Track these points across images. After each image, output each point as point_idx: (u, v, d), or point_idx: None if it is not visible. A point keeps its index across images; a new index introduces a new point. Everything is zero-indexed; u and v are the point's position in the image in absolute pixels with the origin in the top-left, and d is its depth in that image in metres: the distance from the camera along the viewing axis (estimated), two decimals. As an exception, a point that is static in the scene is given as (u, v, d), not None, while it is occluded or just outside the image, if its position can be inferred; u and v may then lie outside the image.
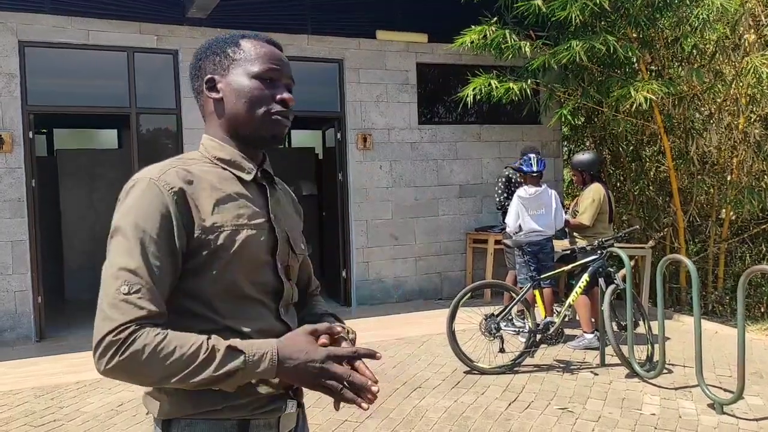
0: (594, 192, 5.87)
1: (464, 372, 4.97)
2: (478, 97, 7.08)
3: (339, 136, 7.77)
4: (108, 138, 10.86)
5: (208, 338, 1.20)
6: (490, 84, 6.93)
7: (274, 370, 1.20)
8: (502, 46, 6.87)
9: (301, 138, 11.01)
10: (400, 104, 7.96)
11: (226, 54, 1.37)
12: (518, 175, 6.73)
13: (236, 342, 1.20)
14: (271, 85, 1.36)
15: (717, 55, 7.23)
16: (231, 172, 1.36)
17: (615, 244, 5.46)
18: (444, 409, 4.21)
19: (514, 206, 5.93)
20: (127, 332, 1.15)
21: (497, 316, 5.09)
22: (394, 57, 7.91)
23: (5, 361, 5.62)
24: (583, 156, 6.16)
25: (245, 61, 1.36)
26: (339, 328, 1.31)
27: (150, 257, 1.20)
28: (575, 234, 6.06)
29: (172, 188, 1.25)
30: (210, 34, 6.79)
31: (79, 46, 6.59)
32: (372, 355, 1.26)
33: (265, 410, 1.30)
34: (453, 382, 4.78)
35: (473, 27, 6.91)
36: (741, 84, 7.02)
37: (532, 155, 5.92)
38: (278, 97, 1.36)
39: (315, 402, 4.16)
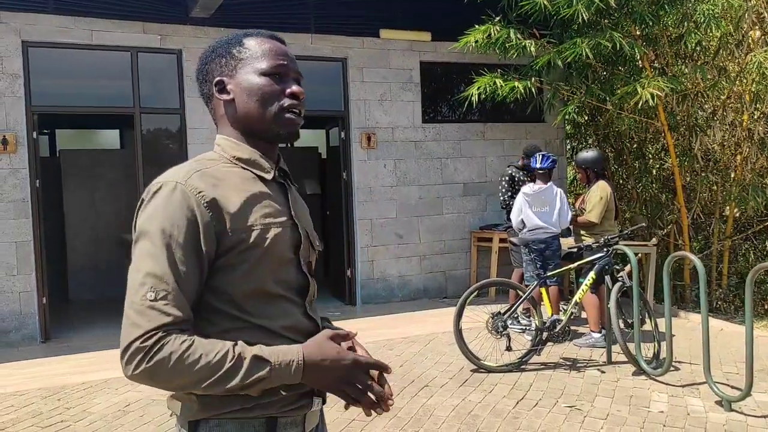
0: (601, 189, 5.87)
1: (471, 370, 4.97)
2: (483, 96, 7.08)
3: (343, 135, 7.77)
4: (110, 138, 10.85)
5: (234, 345, 1.20)
6: (494, 83, 6.93)
7: (300, 376, 1.22)
8: (507, 45, 6.87)
9: (304, 137, 10.94)
10: (404, 103, 7.95)
11: (231, 54, 1.37)
12: (522, 173, 6.74)
13: (262, 350, 1.21)
14: (281, 81, 1.36)
15: (721, 51, 7.22)
16: (252, 171, 1.35)
17: (620, 242, 5.46)
18: (452, 408, 4.21)
19: (517, 202, 5.93)
20: (153, 339, 1.16)
21: (504, 314, 5.09)
22: (397, 56, 7.90)
23: (11, 362, 5.61)
24: (588, 154, 6.16)
25: (252, 59, 1.35)
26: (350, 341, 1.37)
27: (177, 263, 1.20)
28: (581, 232, 6.06)
29: (200, 192, 1.24)
30: (213, 33, 6.82)
31: (82, 46, 6.58)
32: (386, 369, 1.30)
33: (293, 407, 1.30)
34: (460, 380, 4.77)
35: (477, 26, 6.91)
36: (745, 81, 7.02)
37: (541, 152, 5.94)
38: (288, 91, 1.36)
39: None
